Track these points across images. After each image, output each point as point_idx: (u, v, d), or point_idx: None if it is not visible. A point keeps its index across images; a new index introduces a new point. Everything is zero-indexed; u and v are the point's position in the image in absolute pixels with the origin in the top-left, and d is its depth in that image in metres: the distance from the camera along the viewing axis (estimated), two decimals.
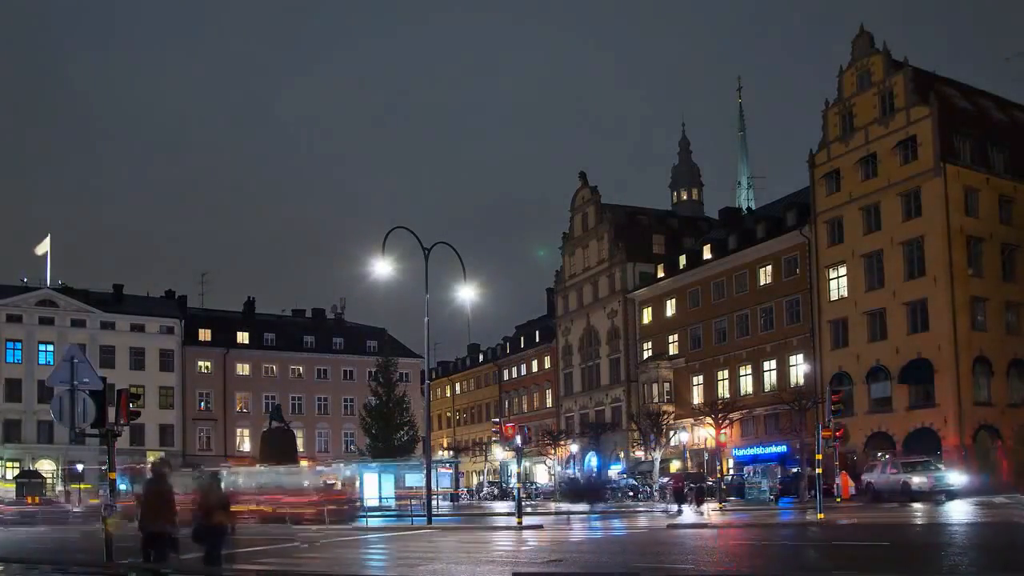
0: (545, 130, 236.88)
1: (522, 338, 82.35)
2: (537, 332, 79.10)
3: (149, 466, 20.57)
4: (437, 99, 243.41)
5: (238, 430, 75.94)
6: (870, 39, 46.18)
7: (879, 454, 42.50)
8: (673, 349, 60.11)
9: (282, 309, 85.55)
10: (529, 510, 34.88)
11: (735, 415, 49.82)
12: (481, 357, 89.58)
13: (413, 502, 35.76)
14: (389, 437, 58.54)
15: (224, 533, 12.47)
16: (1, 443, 66.23)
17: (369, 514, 36.21)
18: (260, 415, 70.64)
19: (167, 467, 13.08)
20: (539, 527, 24.68)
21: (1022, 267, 44.36)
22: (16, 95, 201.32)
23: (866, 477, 37.87)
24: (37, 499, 52.33)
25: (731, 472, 49.91)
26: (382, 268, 27.55)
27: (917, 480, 33.98)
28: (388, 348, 69.16)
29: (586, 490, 38.72)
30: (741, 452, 52.21)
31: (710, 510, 28.74)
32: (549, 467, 67.29)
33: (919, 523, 22.33)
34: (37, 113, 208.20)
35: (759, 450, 50.91)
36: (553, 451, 62.09)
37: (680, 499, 32.98)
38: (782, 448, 48.37)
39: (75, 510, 46.85)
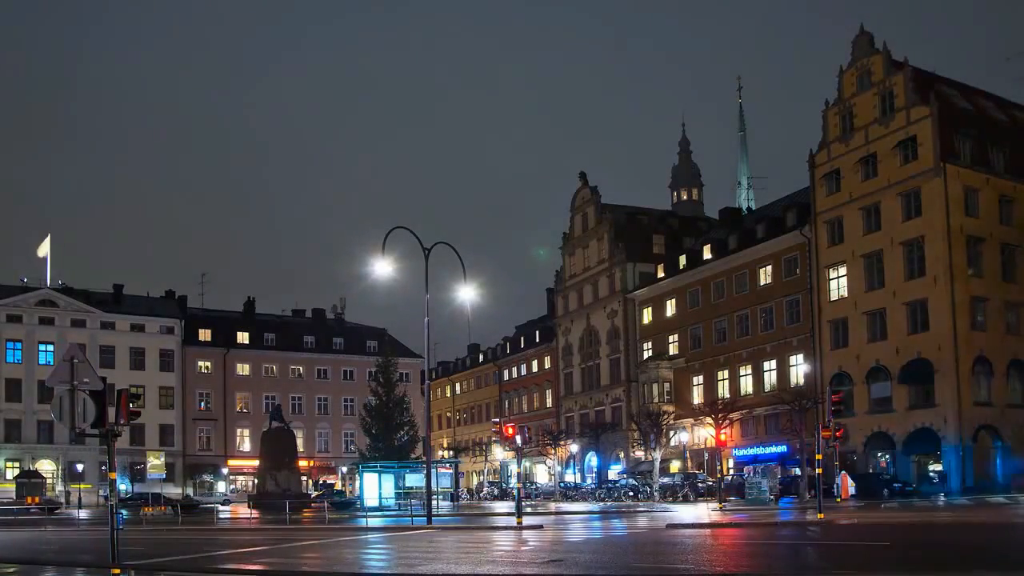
0: (545, 130, 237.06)
1: (522, 338, 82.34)
2: (537, 332, 79.09)
3: None
4: (437, 98, 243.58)
5: (238, 430, 75.95)
6: (870, 39, 46.17)
7: (880, 455, 42.56)
8: (673, 349, 60.10)
9: (282, 309, 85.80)
10: (529, 510, 34.86)
11: (735, 415, 49.84)
12: (481, 357, 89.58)
13: (413, 502, 35.78)
14: (389, 437, 58.59)
15: None
16: (1, 443, 66.23)
17: (369, 514, 36.19)
18: (260, 415, 70.68)
19: None
20: (539, 527, 24.66)
21: (1022, 267, 44.36)
22: (16, 96, 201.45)
23: None
24: (37, 499, 52.25)
25: (731, 472, 49.91)
26: (382, 268, 27.48)
27: None
28: (388, 348, 69.18)
29: None
30: (741, 452, 52.22)
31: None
32: (549, 467, 67.29)
33: (919, 523, 22.32)
34: (37, 113, 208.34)
35: (759, 450, 50.94)
36: (553, 451, 62.09)
37: None
38: (782, 448, 48.41)
39: (80, 516, 46.62)
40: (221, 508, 47.18)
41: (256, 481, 55.55)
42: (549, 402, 75.48)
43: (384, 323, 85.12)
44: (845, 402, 38.40)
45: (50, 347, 67.36)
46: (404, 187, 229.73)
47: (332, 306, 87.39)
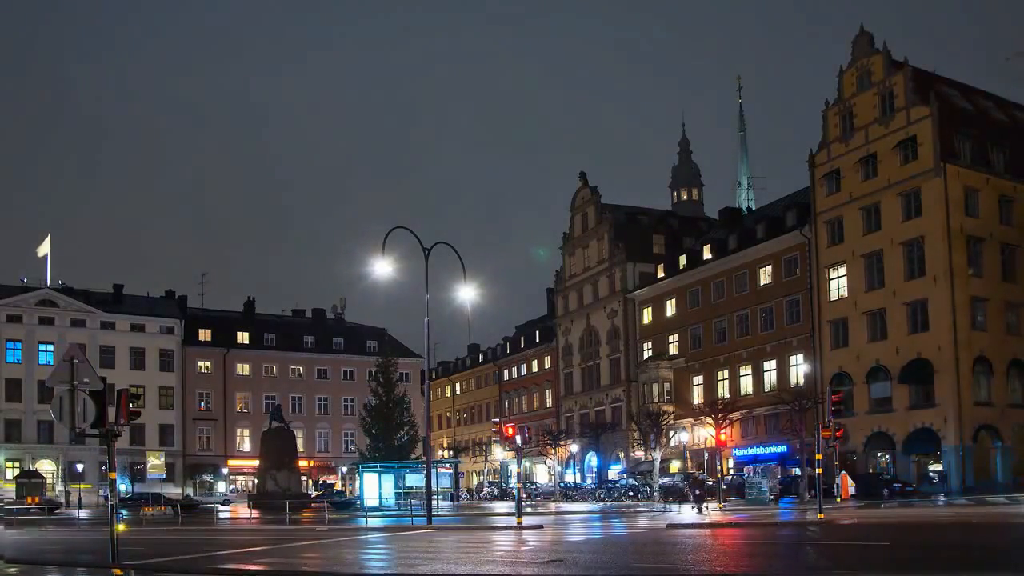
0: (545, 130, 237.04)
1: (522, 338, 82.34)
2: (537, 332, 79.08)
3: None
4: (437, 98, 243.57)
5: (238, 430, 75.92)
6: (870, 39, 46.16)
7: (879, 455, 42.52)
8: (673, 349, 60.09)
9: (282, 309, 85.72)
10: (529, 510, 34.86)
11: (735, 415, 49.85)
12: (481, 357, 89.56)
13: (413, 502, 35.79)
14: (389, 437, 58.54)
15: None
16: (1, 443, 66.20)
17: (369, 514, 36.19)
18: (260, 415, 70.66)
19: None
20: (539, 527, 24.66)
21: (1022, 267, 44.35)
22: (16, 96, 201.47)
23: None
24: (37, 499, 52.23)
25: (731, 472, 49.89)
26: (382, 268, 27.46)
27: None
28: (388, 348, 69.16)
29: None
30: (741, 452, 52.20)
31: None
32: (549, 467, 67.30)
33: (919, 523, 22.32)
34: (38, 114, 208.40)
35: (759, 450, 50.93)
36: (553, 451, 62.10)
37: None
38: (782, 448, 48.39)
39: (80, 516, 46.52)
40: (221, 508, 47.16)
41: (256, 481, 55.55)
42: (549, 402, 75.47)
43: (384, 323, 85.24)
44: (845, 402, 38.45)
45: (50, 347, 67.32)
46: (404, 187, 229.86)
47: (332, 306, 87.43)
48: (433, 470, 34.46)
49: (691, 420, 54.90)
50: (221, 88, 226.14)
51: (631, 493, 49.16)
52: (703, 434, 54.90)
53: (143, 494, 53.47)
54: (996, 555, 14.37)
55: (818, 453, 25.48)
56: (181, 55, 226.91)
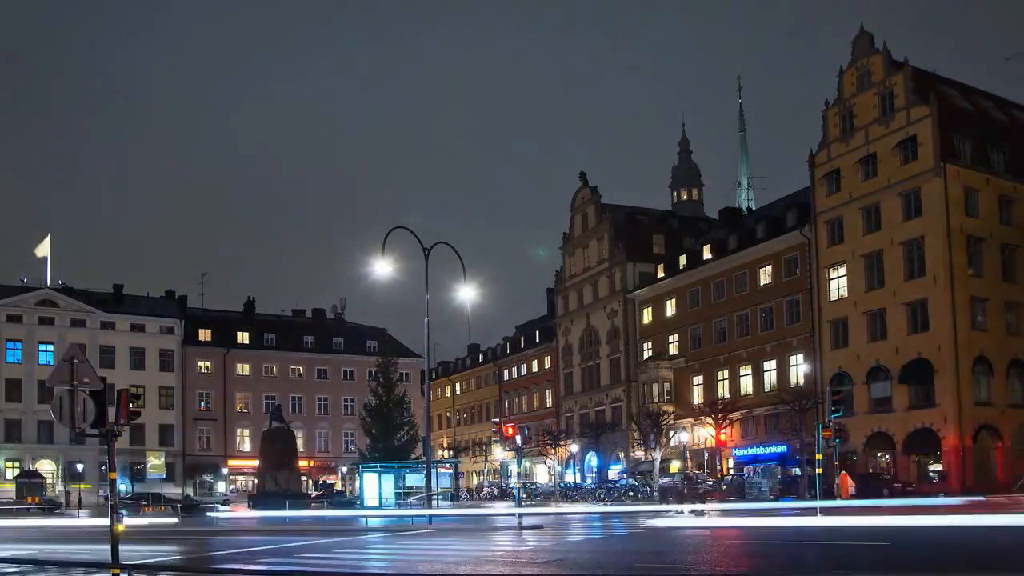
0: (545, 130, 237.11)
1: (522, 338, 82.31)
2: (537, 332, 79.06)
3: None
4: (437, 99, 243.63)
5: (238, 430, 75.89)
6: (870, 39, 46.15)
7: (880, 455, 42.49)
8: (673, 349, 60.07)
9: (282, 309, 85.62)
10: (529, 510, 34.82)
11: (735, 415, 49.81)
12: (481, 357, 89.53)
13: (413, 502, 35.82)
14: (389, 437, 58.48)
15: None
16: (1, 443, 66.18)
17: (369, 514, 36.19)
18: (260, 415, 70.62)
19: None
20: (539, 527, 24.67)
21: (1022, 267, 44.34)
22: (17, 96, 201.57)
23: None
24: (37, 499, 52.25)
25: (731, 472, 49.88)
26: (382, 268, 27.46)
27: None
28: (388, 348, 69.05)
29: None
30: (741, 452, 52.19)
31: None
32: (549, 467, 67.27)
33: (919, 524, 22.31)
34: (38, 114, 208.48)
35: (759, 450, 50.90)
36: (553, 451, 62.05)
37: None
38: (782, 448, 48.38)
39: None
40: (221, 508, 47.16)
41: (256, 481, 55.54)
42: (549, 402, 75.46)
43: (384, 323, 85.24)
44: (845, 402, 38.40)
45: (50, 347, 67.28)
46: (404, 187, 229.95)
47: (332, 306, 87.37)
48: (433, 470, 34.47)
49: (691, 420, 54.90)
50: (222, 88, 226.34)
51: (631, 493, 49.12)
52: (703, 434, 54.91)
53: (143, 494, 53.47)
54: (995, 556, 14.38)
55: (818, 453, 25.48)
56: (183, 55, 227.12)
